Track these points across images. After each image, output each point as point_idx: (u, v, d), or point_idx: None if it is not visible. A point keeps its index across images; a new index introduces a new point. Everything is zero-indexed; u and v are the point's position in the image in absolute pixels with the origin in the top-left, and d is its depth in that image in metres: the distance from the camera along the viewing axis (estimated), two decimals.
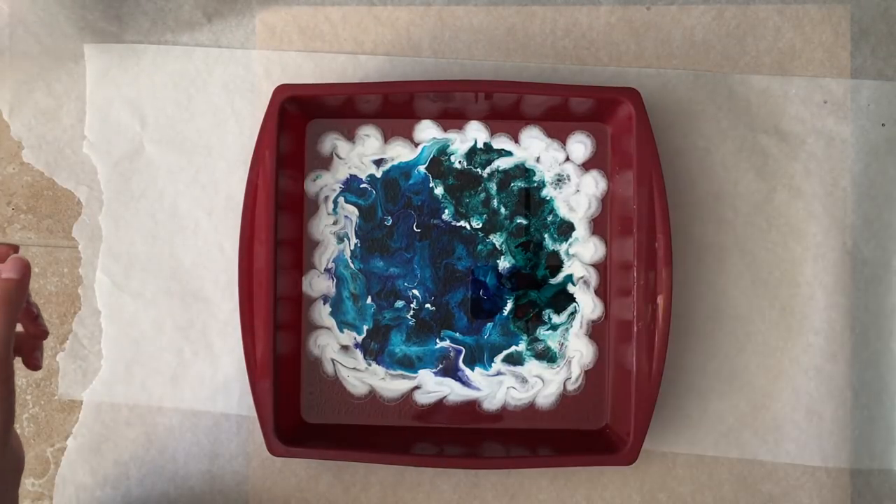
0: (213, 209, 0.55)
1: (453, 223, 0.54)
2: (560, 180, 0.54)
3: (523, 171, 0.54)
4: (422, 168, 0.54)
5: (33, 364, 0.43)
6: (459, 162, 0.54)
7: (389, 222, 0.54)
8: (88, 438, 0.54)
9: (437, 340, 0.54)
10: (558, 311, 0.53)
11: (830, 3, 0.55)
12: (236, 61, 0.55)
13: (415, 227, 0.54)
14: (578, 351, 0.53)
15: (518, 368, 0.53)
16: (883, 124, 0.54)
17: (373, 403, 0.54)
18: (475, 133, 0.54)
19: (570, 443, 0.52)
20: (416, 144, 0.54)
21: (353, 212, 0.54)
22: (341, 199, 0.54)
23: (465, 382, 0.54)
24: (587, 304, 0.53)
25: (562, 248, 0.54)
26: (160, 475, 0.54)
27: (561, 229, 0.54)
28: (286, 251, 0.52)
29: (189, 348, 0.54)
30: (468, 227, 0.54)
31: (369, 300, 0.54)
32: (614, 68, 0.55)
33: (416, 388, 0.54)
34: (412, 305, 0.54)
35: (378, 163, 0.54)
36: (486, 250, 0.54)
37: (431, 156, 0.54)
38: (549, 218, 0.54)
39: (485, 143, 0.54)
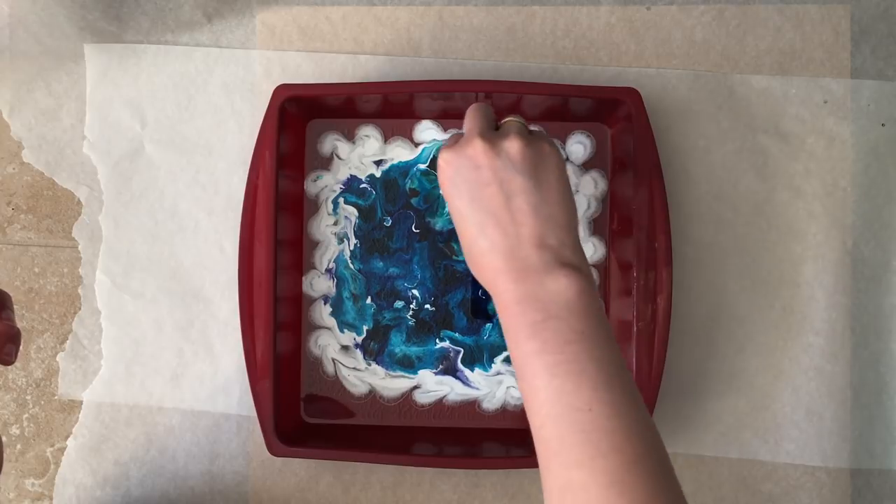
0: (213, 209, 0.55)
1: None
2: None
3: None
4: (422, 167, 0.54)
5: (4, 359, 0.39)
6: None
7: (389, 223, 0.54)
8: (88, 438, 0.54)
9: (437, 341, 0.54)
10: None
11: (830, 3, 0.55)
12: (236, 61, 0.55)
13: (414, 228, 0.54)
14: None
15: None
16: (883, 124, 0.54)
17: (373, 403, 0.54)
18: None
19: None
20: (417, 145, 0.54)
21: (352, 212, 0.54)
22: (341, 200, 0.54)
23: (465, 382, 0.54)
24: None
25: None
26: (160, 475, 0.54)
27: None
28: (286, 251, 0.52)
29: (189, 348, 0.54)
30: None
31: (369, 300, 0.54)
32: (614, 68, 0.55)
33: (416, 387, 0.54)
34: (412, 306, 0.54)
35: (378, 163, 0.54)
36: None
37: (431, 156, 0.54)
38: None
39: None
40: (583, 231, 0.54)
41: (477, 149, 0.40)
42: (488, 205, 0.39)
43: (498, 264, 0.38)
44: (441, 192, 0.42)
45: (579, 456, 0.34)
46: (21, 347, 0.43)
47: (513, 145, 0.40)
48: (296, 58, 0.55)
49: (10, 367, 0.55)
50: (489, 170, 0.39)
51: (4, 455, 0.52)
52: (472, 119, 0.43)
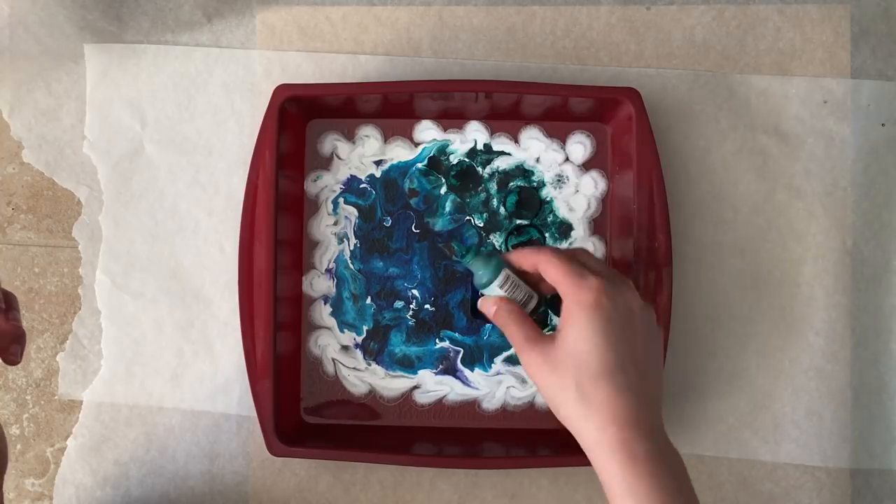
0: (213, 209, 0.55)
1: (453, 224, 0.54)
2: (560, 180, 0.54)
3: (523, 172, 0.54)
4: (420, 166, 0.54)
5: (9, 359, 0.39)
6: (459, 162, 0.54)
7: (389, 223, 0.54)
8: (88, 438, 0.54)
9: (437, 341, 0.54)
10: (559, 312, 0.53)
11: (830, 3, 0.55)
12: (236, 61, 0.55)
13: (413, 228, 0.54)
14: None
15: (517, 368, 0.53)
16: (883, 124, 0.54)
17: (373, 403, 0.54)
18: (475, 134, 0.54)
19: (570, 443, 0.52)
20: (417, 145, 0.54)
21: (352, 212, 0.54)
22: (341, 200, 0.54)
23: (465, 382, 0.54)
24: None
25: (561, 247, 0.54)
26: (160, 475, 0.54)
27: (561, 229, 0.54)
28: (286, 251, 0.52)
29: (189, 348, 0.54)
30: (471, 222, 0.54)
31: (369, 300, 0.54)
32: (614, 68, 0.55)
33: (416, 387, 0.54)
34: (412, 306, 0.54)
35: (378, 163, 0.54)
36: (485, 250, 0.54)
37: (431, 156, 0.54)
38: (549, 218, 0.54)
39: (485, 145, 0.54)
40: (583, 231, 0.54)
41: (630, 293, 0.42)
42: (636, 347, 0.41)
43: (622, 410, 0.39)
44: (577, 318, 0.41)
45: None
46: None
47: (652, 310, 0.43)
48: (296, 58, 0.55)
49: (9, 368, 0.55)
50: (644, 323, 0.42)
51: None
52: (602, 264, 0.44)
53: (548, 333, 0.43)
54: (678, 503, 0.37)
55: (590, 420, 0.39)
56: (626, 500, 0.37)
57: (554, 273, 0.42)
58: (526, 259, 0.45)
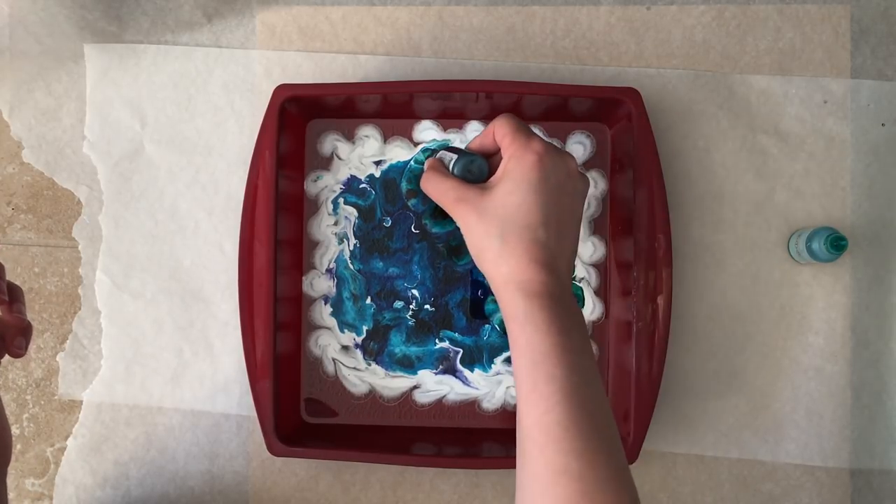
0: (213, 209, 0.55)
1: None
2: None
3: None
4: (416, 165, 0.54)
5: (14, 352, 0.40)
6: None
7: (388, 223, 0.54)
8: (88, 438, 0.54)
9: (437, 341, 0.54)
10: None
11: (830, 3, 0.55)
12: (236, 61, 0.55)
13: (413, 229, 0.54)
14: None
15: None
16: (883, 124, 0.54)
17: (373, 403, 0.54)
18: (475, 133, 0.54)
19: None
20: (416, 144, 0.54)
21: (352, 212, 0.54)
22: (341, 200, 0.54)
23: (465, 382, 0.54)
24: (587, 305, 0.53)
25: None
26: (160, 475, 0.54)
27: None
28: (286, 251, 0.52)
29: (189, 348, 0.54)
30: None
31: (369, 300, 0.54)
32: (614, 68, 0.55)
33: (416, 387, 0.54)
34: (411, 306, 0.54)
35: (378, 163, 0.54)
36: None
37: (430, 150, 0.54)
38: None
39: None
40: (583, 231, 0.54)
41: (572, 164, 0.44)
42: (562, 210, 0.43)
43: (536, 258, 0.42)
44: (515, 173, 0.43)
45: None
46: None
47: (587, 180, 0.46)
48: (296, 58, 0.55)
49: (9, 368, 0.55)
50: (575, 190, 0.44)
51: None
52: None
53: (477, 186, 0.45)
54: (571, 337, 0.40)
55: (506, 263, 0.42)
56: (525, 328, 0.40)
57: (503, 130, 0.44)
58: (486, 132, 0.46)
